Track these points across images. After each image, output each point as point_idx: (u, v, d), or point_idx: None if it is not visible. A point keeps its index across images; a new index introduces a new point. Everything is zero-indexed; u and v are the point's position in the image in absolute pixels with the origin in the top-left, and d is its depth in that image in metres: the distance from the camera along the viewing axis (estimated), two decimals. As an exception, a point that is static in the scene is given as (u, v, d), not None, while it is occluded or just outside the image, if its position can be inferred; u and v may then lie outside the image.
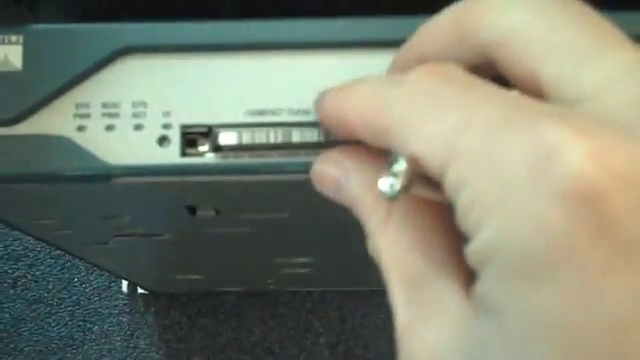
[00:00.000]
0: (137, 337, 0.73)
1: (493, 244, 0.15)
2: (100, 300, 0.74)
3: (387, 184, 0.19)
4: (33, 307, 0.74)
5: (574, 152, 0.14)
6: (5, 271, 0.74)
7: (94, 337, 0.74)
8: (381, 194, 0.19)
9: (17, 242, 0.74)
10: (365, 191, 0.21)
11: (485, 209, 0.15)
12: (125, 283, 0.73)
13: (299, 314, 0.73)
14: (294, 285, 0.70)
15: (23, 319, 0.74)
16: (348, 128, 0.21)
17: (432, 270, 0.19)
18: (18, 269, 0.74)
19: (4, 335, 0.74)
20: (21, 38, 0.27)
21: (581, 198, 0.14)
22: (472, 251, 0.16)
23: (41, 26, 0.27)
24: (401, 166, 0.18)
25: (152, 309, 0.74)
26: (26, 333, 0.74)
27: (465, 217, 0.16)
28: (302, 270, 0.55)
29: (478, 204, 0.16)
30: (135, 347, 0.73)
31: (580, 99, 0.16)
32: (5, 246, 0.74)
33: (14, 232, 0.70)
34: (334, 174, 0.23)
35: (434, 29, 0.21)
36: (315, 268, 0.55)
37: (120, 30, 0.27)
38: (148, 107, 0.27)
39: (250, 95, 0.27)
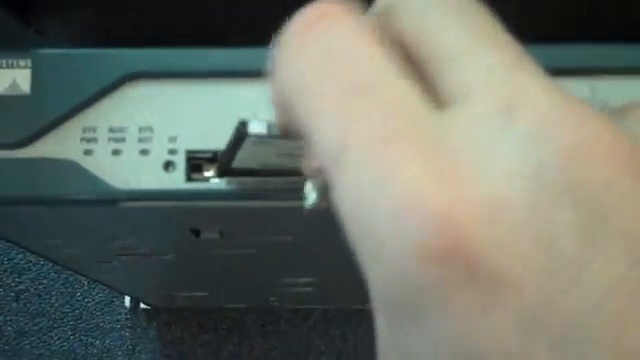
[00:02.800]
0: (139, 352, 0.73)
1: (375, 287, 0.15)
2: (102, 315, 0.74)
3: (306, 197, 0.18)
4: (35, 320, 0.74)
5: (425, 209, 0.14)
6: (8, 284, 0.74)
7: (96, 352, 0.74)
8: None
9: (20, 255, 0.74)
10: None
11: (365, 251, 0.15)
12: (127, 298, 0.73)
13: (301, 331, 0.72)
14: (297, 302, 0.70)
15: (25, 332, 0.74)
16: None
17: None
18: (21, 282, 0.74)
19: (6, 348, 0.74)
20: (29, 62, 0.27)
21: (435, 255, 0.14)
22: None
23: (49, 51, 0.28)
24: (318, 179, 0.18)
25: (154, 324, 0.74)
26: (28, 347, 0.74)
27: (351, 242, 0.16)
28: (305, 289, 0.55)
29: (361, 243, 0.15)
30: (137, 362, 0.73)
31: (452, 102, 0.16)
32: (9, 259, 0.75)
33: (18, 246, 0.70)
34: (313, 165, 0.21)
35: None
36: (318, 287, 0.55)
37: (127, 56, 0.27)
38: (154, 132, 0.27)
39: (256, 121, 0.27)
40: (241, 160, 0.26)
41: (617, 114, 0.17)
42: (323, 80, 0.16)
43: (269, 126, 0.24)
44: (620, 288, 0.14)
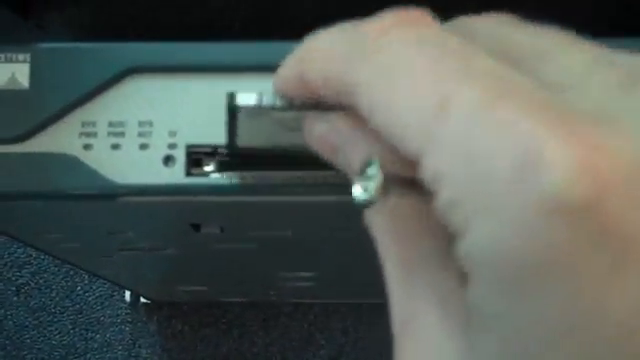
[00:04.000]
0: (139, 346, 0.74)
1: (481, 249, 0.14)
2: (103, 309, 0.74)
3: (360, 190, 0.17)
4: (36, 315, 0.74)
5: (560, 159, 0.13)
6: (9, 278, 0.74)
7: (96, 346, 0.74)
8: (356, 201, 0.18)
9: (21, 250, 0.74)
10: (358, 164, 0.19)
11: (469, 211, 0.14)
12: (128, 292, 0.73)
13: (301, 326, 0.72)
14: (297, 296, 0.70)
15: (26, 327, 0.74)
16: (313, 92, 0.19)
17: (427, 257, 0.18)
18: (22, 276, 0.74)
19: (7, 343, 0.74)
20: (28, 57, 0.27)
21: (570, 210, 0.13)
22: (460, 253, 0.15)
23: (48, 45, 0.28)
24: (374, 169, 0.17)
25: (155, 318, 0.74)
26: (28, 341, 0.74)
27: (448, 215, 0.15)
28: (305, 283, 0.55)
29: (461, 204, 0.14)
30: (137, 356, 0.73)
31: (568, 85, 0.16)
32: (9, 253, 0.75)
33: (18, 240, 0.70)
34: (333, 141, 0.20)
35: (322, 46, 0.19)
36: (318, 281, 0.55)
37: (127, 50, 0.27)
38: (154, 127, 0.27)
39: (255, 116, 0.27)
40: (246, 139, 0.25)
41: None
42: (412, 63, 0.16)
43: (259, 96, 0.23)
44: None
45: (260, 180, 0.26)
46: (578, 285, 0.13)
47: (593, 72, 0.15)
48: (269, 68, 0.27)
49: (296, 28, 0.29)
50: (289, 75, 0.20)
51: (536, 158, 0.13)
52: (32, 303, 0.74)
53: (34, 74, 0.27)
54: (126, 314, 0.74)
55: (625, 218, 0.13)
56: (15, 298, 0.74)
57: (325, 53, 0.18)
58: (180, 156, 0.27)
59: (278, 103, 0.22)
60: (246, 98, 0.23)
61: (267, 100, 0.23)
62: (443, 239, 0.17)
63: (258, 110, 0.23)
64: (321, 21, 0.26)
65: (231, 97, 0.24)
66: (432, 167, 0.15)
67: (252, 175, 0.26)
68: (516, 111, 0.14)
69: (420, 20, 0.17)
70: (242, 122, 0.24)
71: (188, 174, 0.27)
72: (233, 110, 0.24)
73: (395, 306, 0.18)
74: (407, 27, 0.16)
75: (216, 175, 0.26)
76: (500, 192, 0.14)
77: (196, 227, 0.33)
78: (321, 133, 0.20)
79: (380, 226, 0.19)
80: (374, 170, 0.17)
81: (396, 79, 0.16)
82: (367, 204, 0.18)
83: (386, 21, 0.17)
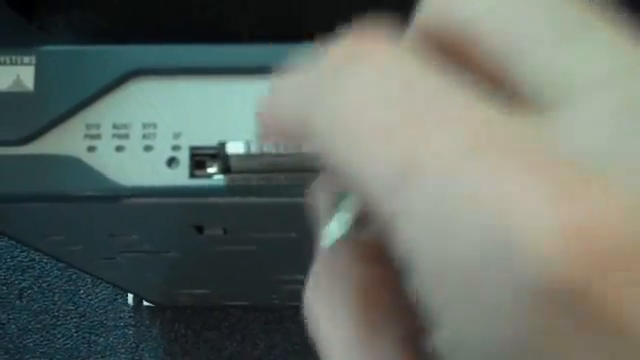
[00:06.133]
0: (142, 350, 0.74)
1: (455, 340, 0.12)
2: (106, 312, 0.74)
3: (326, 232, 0.16)
4: (39, 318, 0.74)
5: (537, 234, 0.11)
6: (12, 282, 0.74)
7: (99, 349, 0.74)
8: (321, 244, 0.16)
9: (24, 253, 0.75)
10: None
11: (443, 296, 0.12)
12: (131, 296, 0.73)
13: (304, 329, 0.72)
14: (299, 300, 0.70)
15: (29, 330, 0.74)
16: (286, 133, 0.16)
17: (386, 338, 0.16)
18: (25, 280, 0.74)
19: (10, 346, 0.74)
20: (33, 59, 0.27)
21: (552, 293, 0.11)
22: (433, 341, 0.13)
23: (53, 47, 0.28)
24: (344, 214, 0.16)
25: (157, 322, 0.74)
26: (31, 344, 0.74)
27: (420, 293, 0.13)
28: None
29: (435, 287, 0.12)
30: (140, 360, 0.74)
31: (558, 102, 0.13)
32: (12, 257, 0.75)
33: (21, 244, 0.70)
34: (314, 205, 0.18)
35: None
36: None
37: (131, 52, 0.27)
38: (158, 129, 0.27)
39: (259, 118, 0.27)
40: (239, 169, 0.27)
41: None
42: (372, 110, 0.13)
43: (247, 145, 0.24)
44: None
45: (263, 182, 0.26)
46: None
47: (600, 87, 0.12)
48: (272, 70, 0.27)
49: (301, 30, 0.29)
50: (265, 119, 0.17)
51: (510, 234, 0.11)
52: (35, 307, 0.74)
53: (39, 76, 0.27)
54: (129, 317, 0.74)
55: (623, 302, 0.11)
56: (18, 302, 0.74)
57: (284, 98, 0.16)
58: (184, 158, 0.27)
59: (265, 149, 0.23)
60: (235, 147, 0.25)
61: (255, 148, 0.25)
62: (412, 320, 0.15)
63: (247, 157, 0.25)
64: (327, 23, 0.26)
65: (222, 146, 0.26)
66: (401, 242, 0.13)
67: (256, 177, 0.26)
68: (489, 173, 0.11)
69: (383, 47, 0.14)
70: (235, 165, 0.26)
71: (192, 176, 0.27)
72: (224, 159, 0.26)
73: None
74: (365, 61, 0.14)
75: (219, 177, 0.27)
76: (474, 278, 0.12)
77: (199, 229, 0.34)
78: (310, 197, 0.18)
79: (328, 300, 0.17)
80: (344, 215, 0.16)
81: (352, 133, 0.13)
82: (335, 244, 0.16)
83: (339, 54, 0.14)
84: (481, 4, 0.14)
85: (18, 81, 0.27)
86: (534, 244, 0.11)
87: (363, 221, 0.15)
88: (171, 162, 0.27)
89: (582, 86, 0.12)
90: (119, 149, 0.27)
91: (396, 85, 0.13)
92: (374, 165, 0.13)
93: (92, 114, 0.27)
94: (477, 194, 0.11)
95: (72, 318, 0.74)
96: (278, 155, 0.26)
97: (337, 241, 0.16)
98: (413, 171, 0.12)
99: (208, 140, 0.27)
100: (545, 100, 0.13)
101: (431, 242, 0.12)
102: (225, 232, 0.34)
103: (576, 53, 0.13)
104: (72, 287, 0.74)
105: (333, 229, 0.16)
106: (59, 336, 0.74)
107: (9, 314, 0.74)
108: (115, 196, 0.27)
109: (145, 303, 0.73)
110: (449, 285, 0.12)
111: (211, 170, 0.27)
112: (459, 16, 0.14)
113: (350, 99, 0.13)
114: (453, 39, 0.14)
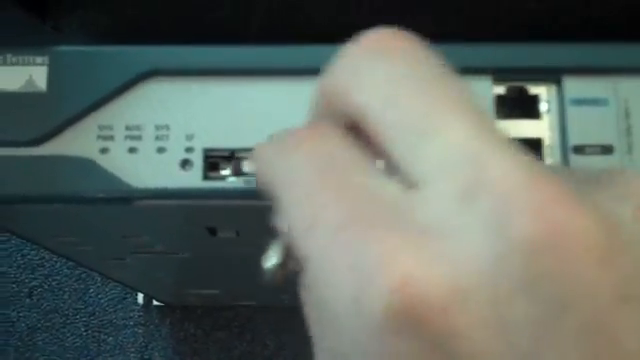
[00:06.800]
0: (152, 349, 0.73)
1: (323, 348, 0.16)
2: (115, 311, 0.74)
3: (266, 259, 0.19)
4: (49, 317, 0.74)
5: (386, 277, 0.14)
6: (22, 281, 0.74)
7: (109, 348, 0.74)
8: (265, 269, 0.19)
9: (34, 252, 0.75)
10: None
11: (316, 340, 0.16)
12: (140, 295, 0.73)
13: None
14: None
15: (38, 329, 0.74)
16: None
17: None
18: (35, 279, 0.74)
19: (19, 344, 0.74)
20: (46, 59, 0.27)
21: (400, 327, 0.14)
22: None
23: (66, 48, 0.27)
24: (278, 246, 0.19)
25: (167, 321, 0.74)
26: (41, 343, 0.74)
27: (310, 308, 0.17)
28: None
29: (314, 317, 0.16)
30: (149, 359, 0.73)
31: (418, 182, 0.16)
32: (22, 255, 0.75)
33: (31, 242, 0.70)
34: None
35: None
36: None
37: (144, 53, 0.27)
38: (171, 130, 0.27)
39: (273, 119, 0.27)
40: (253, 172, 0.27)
41: (590, 184, 0.17)
42: (297, 180, 0.17)
43: (237, 232, 0.24)
44: None
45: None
46: None
47: (442, 168, 0.15)
48: (286, 72, 0.27)
49: (314, 32, 0.29)
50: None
51: (367, 281, 0.14)
52: (44, 305, 0.74)
53: (52, 77, 0.27)
54: (139, 317, 0.74)
55: (450, 338, 0.14)
56: (28, 300, 0.74)
57: (260, 159, 0.20)
58: (197, 160, 0.27)
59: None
60: (225, 233, 0.27)
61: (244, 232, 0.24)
62: None
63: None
64: (339, 25, 0.26)
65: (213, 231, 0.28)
66: (306, 282, 0.17)
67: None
68: (360, 234, 0.15)
69: (318, 140, 0.18)
70: (249, 166, 0.27)
71: (205, 178, 0.26)
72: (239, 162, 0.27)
73: None
74: (307, 141, 0.18)
75: (233, 179, 0.26)
76: (340, 318, 0.15)
77: (212, 231, 0.33)
78: None
79: None
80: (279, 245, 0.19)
81: (288, 192, 0.17)
82: (270, 274, 0.19)
83: (296, 135, 0.18)
84: (367, 95, 0.17)
85: (31, 81, 0.27)
86: (384, 289, 0.14)
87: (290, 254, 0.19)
88: (184, 164, 0.27)
89: (434, 173, 0.15)
90: (132, 151, 0.27)
91: (320, 164, 0.17)
92: (293, 219, 0.17)
93: (105, 115, 0.27)
94: (352, 248, 0.15)
95: (82, 317, 0.74)
96: None
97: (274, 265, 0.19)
98: (315, 224, 0.16)
99: (222, 142, 0.27)
100: (412, 178, 0.16)
101: (318, 285, 0.16)
102: (238, 234, 0.34)
103: (434, 145, 0.15)
104: (82, 286, 0.74)
105: (271, 256, 0.19)
106: (68, 335, 0.74)
107: (19, 312, 0.74)
108: (128, 198, 0.27)
109: (155, 302, 0.73)
110: (324, 318, 0.16)
111: (225, 172, 0.26)
112: (351, 100, 0.17)
113: (284, 173, 0.18)
114: (351, 116, 0.17)
